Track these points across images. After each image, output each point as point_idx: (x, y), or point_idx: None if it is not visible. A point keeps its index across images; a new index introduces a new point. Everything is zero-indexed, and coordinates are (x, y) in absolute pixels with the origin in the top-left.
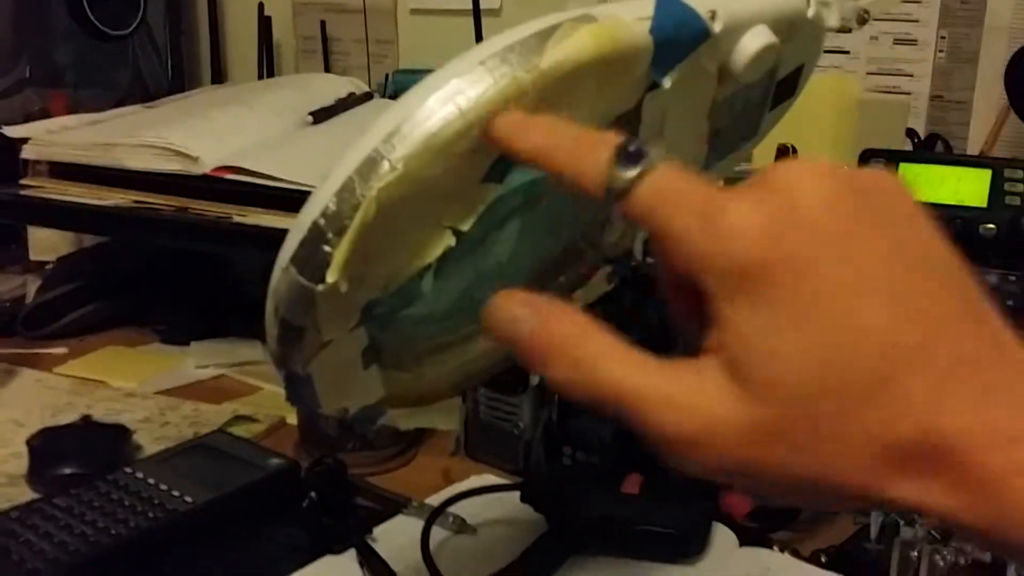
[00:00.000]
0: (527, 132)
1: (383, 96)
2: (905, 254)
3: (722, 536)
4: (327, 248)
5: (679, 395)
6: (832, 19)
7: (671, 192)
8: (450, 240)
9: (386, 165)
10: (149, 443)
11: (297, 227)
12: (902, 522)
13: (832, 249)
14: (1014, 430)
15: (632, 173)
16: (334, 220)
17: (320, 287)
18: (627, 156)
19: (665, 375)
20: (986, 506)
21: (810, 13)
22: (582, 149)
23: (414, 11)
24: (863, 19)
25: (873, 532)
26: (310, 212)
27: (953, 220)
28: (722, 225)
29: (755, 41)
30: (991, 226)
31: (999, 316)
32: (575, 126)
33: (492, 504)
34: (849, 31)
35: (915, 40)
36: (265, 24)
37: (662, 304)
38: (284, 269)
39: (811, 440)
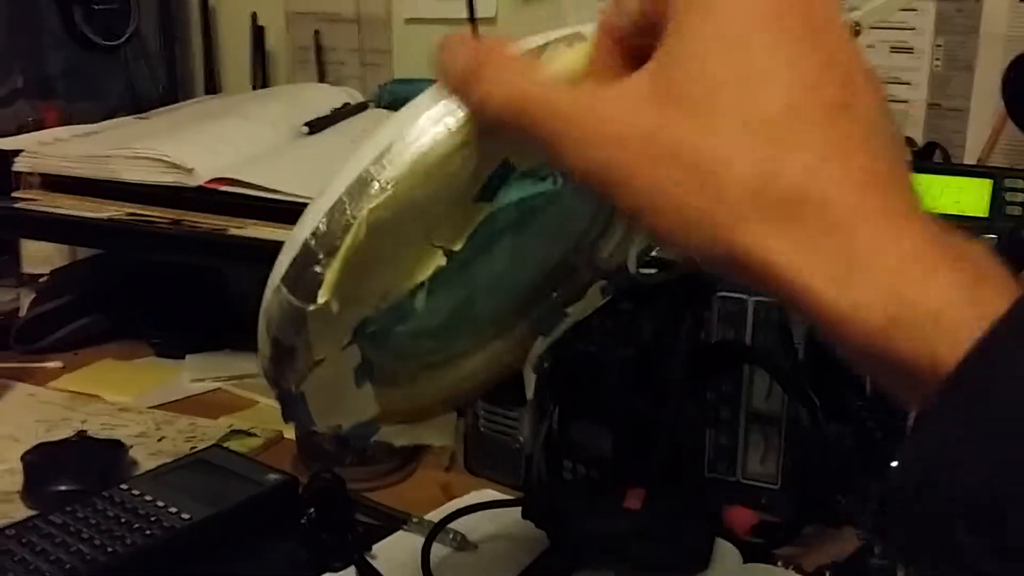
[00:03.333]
0: None
1: (378, 106)
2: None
3: (726, 552)
4: (318, 269)
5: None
6: None
7: None
8: (441, 260)
9: (376, 186)
10: (145, 458)
11: (288, 247)
12: None
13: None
14: (892, 210)
15: None
16: (324, 241)
17: (311, 307)
18: None
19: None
20: (835, 253)
21: None
22: None
23: (409, 20)
24: (856, 32)
25: (878, 548)
26: (301, 232)
27: None
28: None
29: None
30: (992, 236)
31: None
32: None
33: (493, 520)
34: None
35: (911, 48)
36: (259, 34)
37: (657, 317)
38: (275, 289)
39: (699, 120)
